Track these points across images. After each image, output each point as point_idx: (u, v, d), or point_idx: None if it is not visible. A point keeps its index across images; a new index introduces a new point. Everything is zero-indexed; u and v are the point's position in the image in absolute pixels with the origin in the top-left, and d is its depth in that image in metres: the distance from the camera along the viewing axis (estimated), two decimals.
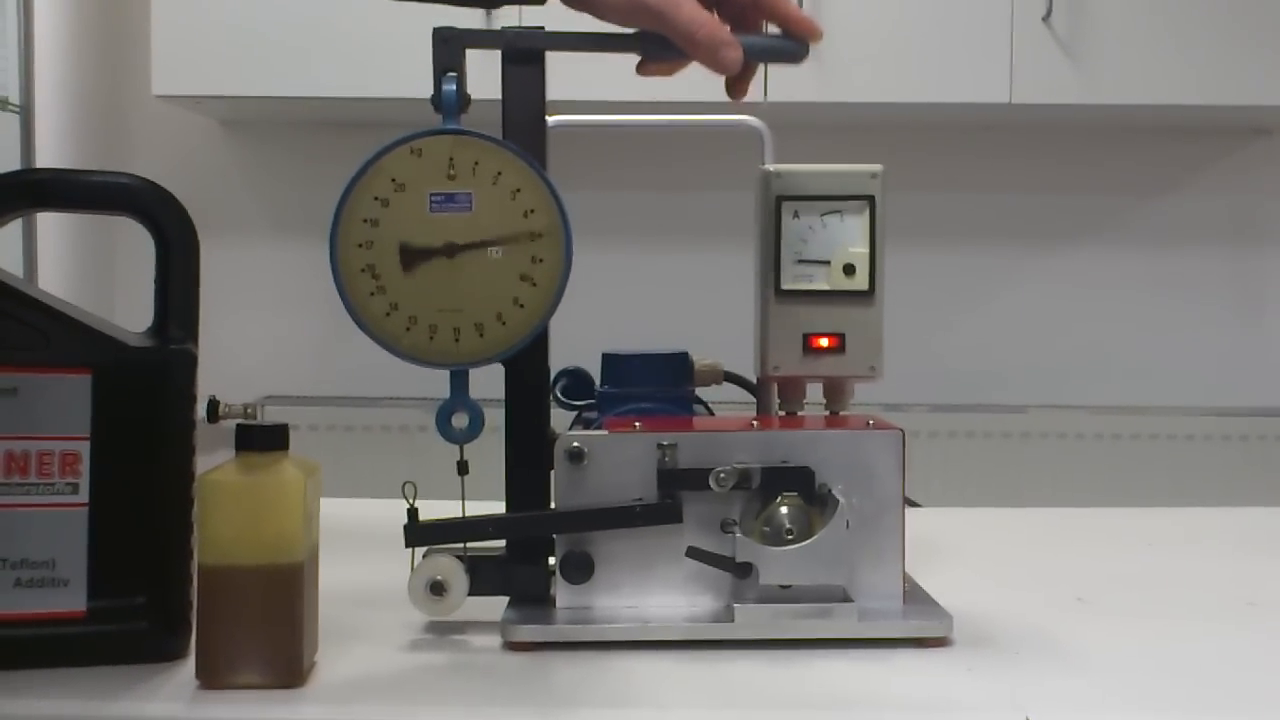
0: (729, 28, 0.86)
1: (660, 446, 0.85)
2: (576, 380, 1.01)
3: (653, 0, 0.84)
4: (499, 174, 0.81)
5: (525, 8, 0.90)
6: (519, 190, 0.81)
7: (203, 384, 0.83)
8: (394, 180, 0.80)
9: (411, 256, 0.80)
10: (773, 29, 0.90)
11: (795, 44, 0.89)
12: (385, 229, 0.80)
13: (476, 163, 0.81)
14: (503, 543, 0.88)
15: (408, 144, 0.81)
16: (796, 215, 0.91)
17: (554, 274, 0.81)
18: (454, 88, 0.83)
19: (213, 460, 0.77)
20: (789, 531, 0.84)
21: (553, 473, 0.86)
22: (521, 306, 0.81)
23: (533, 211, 0.81)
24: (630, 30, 0.87)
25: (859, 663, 0.81)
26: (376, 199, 0.80)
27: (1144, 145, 3.10)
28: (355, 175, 0.80)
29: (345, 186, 0.80)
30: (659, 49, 0.87)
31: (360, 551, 0.97)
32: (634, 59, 0.90)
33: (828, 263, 0.91)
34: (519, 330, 0.81)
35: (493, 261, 0.81)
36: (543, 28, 0.87)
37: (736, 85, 0.91)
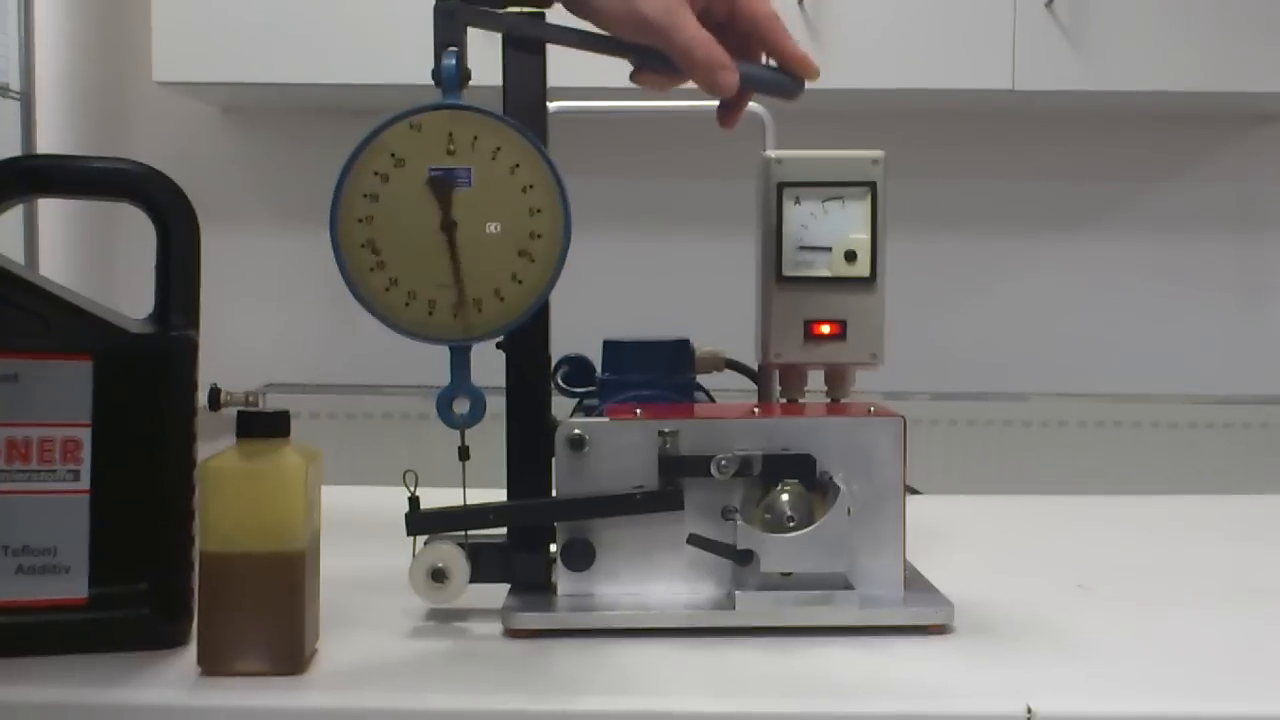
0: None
1: (661, 433, 0.85)
2: (577, 367, 1.01)
3: (655, 17, 0.84)
4: (498, 149, 0.81)
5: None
6: (518, 165, 0.81)
7: (204, 371, 0.83)
8: (394, 155, 0.80)
9: (440, 188, 0.80)
10: (771, 63, 0.90)
11: (791, 80, 0.90)
12: (385, 204, 0.80)
13: (476, 138, 0.81)
14: (504, 530, 0.88)
15: (407, 119, 0.80)
16: (798, 202, 0.91)
17: (553, 250, 0.81)
18: (454, 62, 0.83)
19: (214, 448, 0.77)
20: (790, 519, 0.84)
21: (554, 460, 0.86)
22: (520, 282, 0.81)
23: (531, 187, 0.81)
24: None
25: (860, 650, 0.81)
26: (376, 174, 0.80)
27: (1147, 132, 3.10)
28: (355, 151, 0.80)
29: (345, 162, 0.80)
30: (656, 62, 0.87)
31: (361, 539, 0.98)
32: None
33: (829, 249, 0.91)
34: (518, 306, 0.81)
35: (491, 237, 0.81)
36: (544, 13, 0.87)
37: (729, 113, 0.91)
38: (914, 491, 0.96)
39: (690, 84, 0.88)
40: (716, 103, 0.91)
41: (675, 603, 0.85)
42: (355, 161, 0.80)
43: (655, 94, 0.93)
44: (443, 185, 0.80)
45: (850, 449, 0.86)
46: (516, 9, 0.87)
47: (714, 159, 2.75)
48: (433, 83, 0.83)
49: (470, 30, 0.85)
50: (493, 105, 0.84)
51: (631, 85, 0.92)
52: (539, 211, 0.81)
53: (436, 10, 0.84)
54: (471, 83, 0.84)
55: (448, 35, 0.84)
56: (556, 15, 0.88)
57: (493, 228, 0.81)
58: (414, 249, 0.80)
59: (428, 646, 0.83)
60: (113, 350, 0.80)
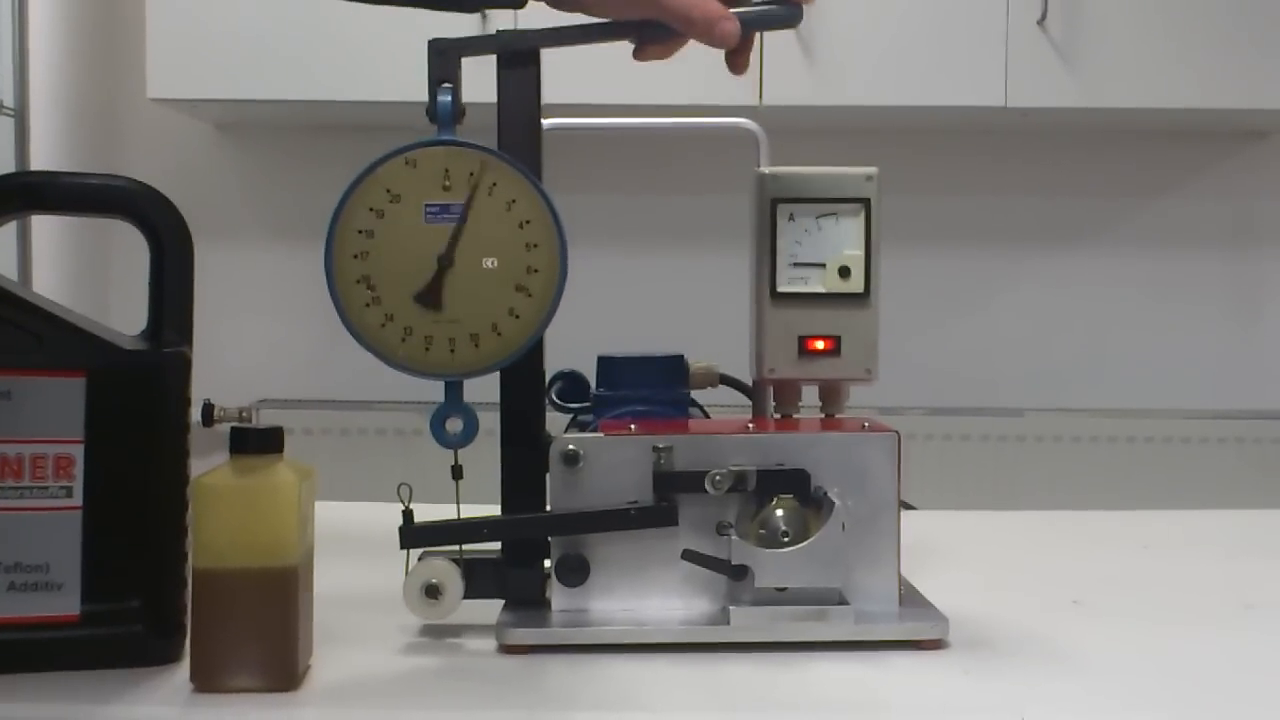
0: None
1: (656, 449, 0.85)
2: (572, 383, 1.01)
3: None
4: (494, 185, 0.81)
5: (512, 12, 0.90)
6: (514, 201, 0.81)
7: (197, 387, 0.83)
8: (389, 191, 0.80)
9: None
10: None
11: (790, 10, 0.89)
12: (380, 240, 0.80)
13: (472, 173, 0.81)
14: (498, 545, 0.88)
15: (403, 155, 0.81)
16: (792, 218, 0.91)
17: (549, 285, 0.81)
18: (449, 99, 0.83)
19: (207, 464, 0.77)
20: (784, 534, 0.84)
21: (548, 475, 0.86)
22: (517, 317, 0.81)
23: (528, 223, 0.81)
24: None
25: (855, 665, 0.81)
26: (372, 210, 0.80)
27: (1139, 148, 3.11)
28: (350, 187, 0.80)
29: (340, 198, 0.80)
30: (656, 33, 0.87)
31: (355, 555, 0.97)
32: (628, 58, 0.90)
33: (823, 265, 0.91)
34: (514, 341, 0.81)
35: (488, 272, 0.81)
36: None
37: (736, 59, 0.90)
38: (909, 507, 0.96)
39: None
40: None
41: (670, 618, 0.85)
42: (350, 197, 0.80)
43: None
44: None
45: (845, 464, 0.86)
46: (510, 27, 0.87)
47: (708, 175, 2.75)
48: (426, 98, 0.83)
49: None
50: (487, 123, 0.84)
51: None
52: (535, 246, 0.81)
53: (431, 48, 0.84)
54: (465, 100, 0.84)
55: (442, 72, 0.84)
56: (549, 16, 0.87)
57: (489, 263, 0.81)
58: (409, 285, 0.80)
59: (422, 663, 0.82)
60: (106, 367, 0.80)
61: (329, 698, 0.75)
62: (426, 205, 0.80)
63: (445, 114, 0.83)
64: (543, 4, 0.88)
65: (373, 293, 0.80)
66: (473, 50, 0.85)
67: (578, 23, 0.87)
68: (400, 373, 0.80)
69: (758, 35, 0.91)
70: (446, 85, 0.83)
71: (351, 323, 0.80)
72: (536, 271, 0.81)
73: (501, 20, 0.93)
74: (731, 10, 0.86)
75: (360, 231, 0.80)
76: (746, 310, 0.94)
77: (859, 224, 0.91)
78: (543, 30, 0.87)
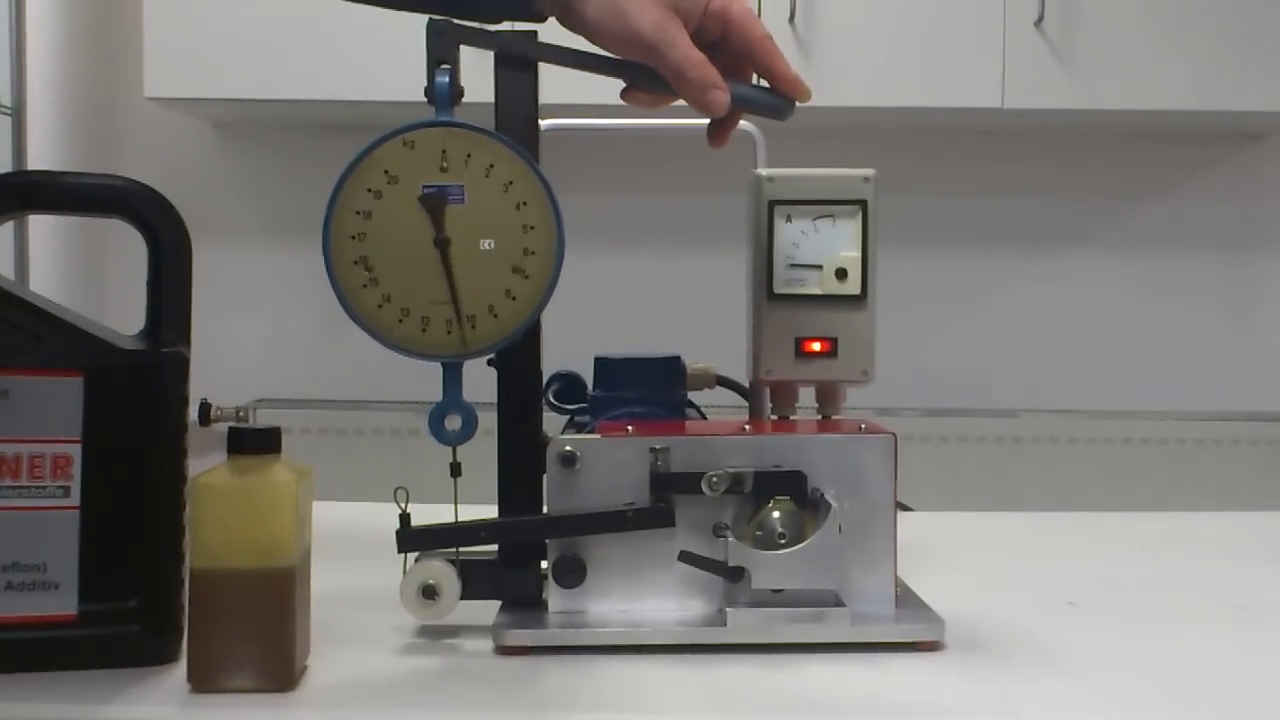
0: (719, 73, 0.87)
1: (653, 450, 0.85)
2: (569, 384, 1.01)
3: (649, 34, 0.84)
4: (491, 166, 0.81)
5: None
6: (511, 182, 0.81)
7: (195, 387, 0.83)
8: (387, 172, 0.80)
9: (432, 204, 0.80)
10: (763, 83, 0.90)
11: (782, 101, 0.90)
12: (378, 221, 0.80)
13: (469, 155, 0.81)
14: (495, 546, 0.88)
15: (400, 136, 0.81)
16: (789, 219, 0.91)
17: (546, 266, 0.81)
18: (447, 79, 0.83)
19: (205, 463, 0.77)
20: (781, 535, 0.84)
21: (545, 477, 0.86)
22: (514, 299, 0.81)
23: (525, 204, 0.81)
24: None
25: (851, 667, 0.81)
26: (369, 191, 0.80)
27: (1136, 150, 3.11)
28: (348, 167, 0.80)
29: (338, 179, 0.80)
30: (648, 80, 0.87)
31: (352, 555, 0.97)
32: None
33: (820, 267, 0.91)
34: (511, 322, 0.81)
35: (485, 254, 0.81)
36: (535, 33, 0.88)
37: (719, 131, 0.92)
38: (905, 508, 0.96)
39: (681, 102, 0.88)
40: (707, 121, 0.91)
41: (666, 619, 0.85)
42: (348, 178, 0.80)
43: (646, 112, 0.93)
44: (435, 202, 0.80)
45: (841, 466, 0.86)
46: (509, 27, 0.88)
47: (705, 176, 2.75)
48: (425, 100, 0.83)
49: (463, 47, 0.85)
50: (485, 123, 0.85)
51: (623, 103, 0.92)
52: (532, 228, 0.81)
53: (429, 29, 0.84)
54: (464, 100, 0.84)
55: (440, 53, 0.84)
56: (550, 31, 0.88)
57: (486, 244, 0.81)
58: (407, 266, 0.80)
59: (418, 663, 0.82)
60: (103, 366, 0.80)
61: (326, 698, 0.75)
62: (424, 186, 0.80)
63: (443, 95, 0.83)
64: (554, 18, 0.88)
65: (370, 274, 0.80)
66: (470, 41, 0.85)
67: (579, 47, 0.87)
68: (397, 368, 0.80)
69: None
70: (445, 66, 0.83)
71: (349, 304, 0.80)
72: (533, 253, 0.81)
73: None
74: (728, 83, 0.86)
75: (358, 213, 0.80)
76: (743, 312, 0.94)
77: (856, 225, 0.91)
78: (541, 44, 0.87)
